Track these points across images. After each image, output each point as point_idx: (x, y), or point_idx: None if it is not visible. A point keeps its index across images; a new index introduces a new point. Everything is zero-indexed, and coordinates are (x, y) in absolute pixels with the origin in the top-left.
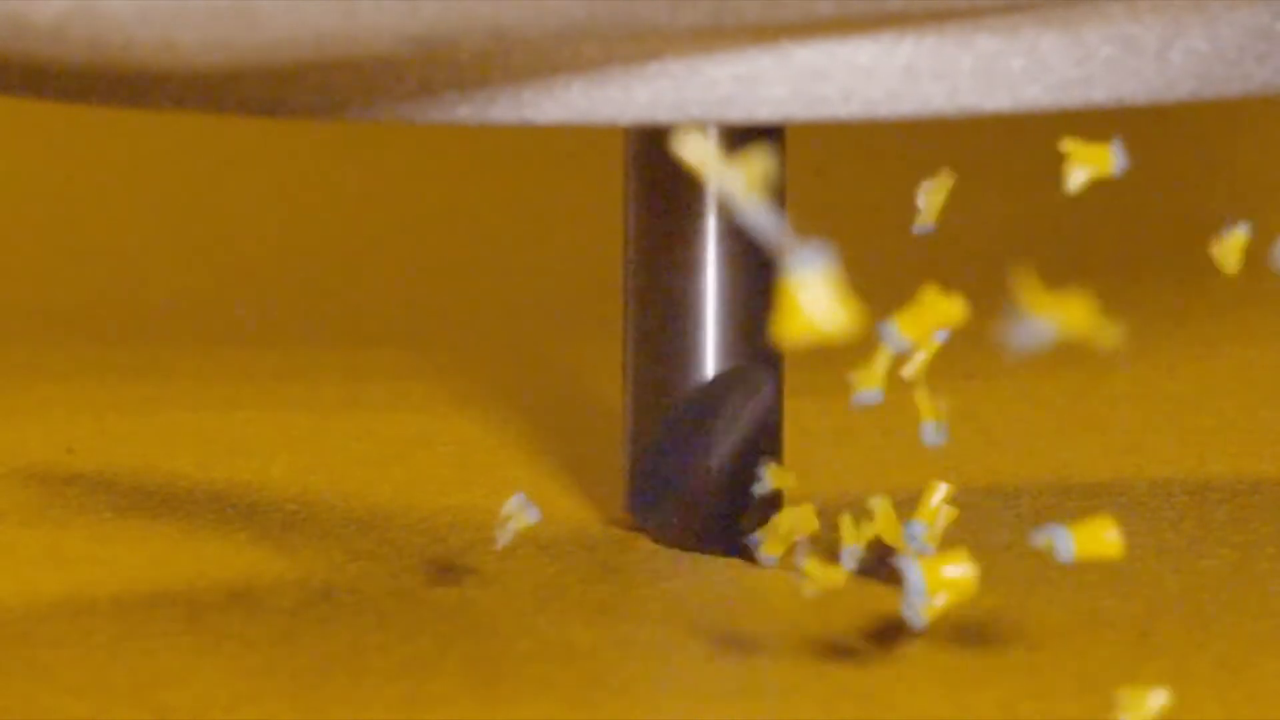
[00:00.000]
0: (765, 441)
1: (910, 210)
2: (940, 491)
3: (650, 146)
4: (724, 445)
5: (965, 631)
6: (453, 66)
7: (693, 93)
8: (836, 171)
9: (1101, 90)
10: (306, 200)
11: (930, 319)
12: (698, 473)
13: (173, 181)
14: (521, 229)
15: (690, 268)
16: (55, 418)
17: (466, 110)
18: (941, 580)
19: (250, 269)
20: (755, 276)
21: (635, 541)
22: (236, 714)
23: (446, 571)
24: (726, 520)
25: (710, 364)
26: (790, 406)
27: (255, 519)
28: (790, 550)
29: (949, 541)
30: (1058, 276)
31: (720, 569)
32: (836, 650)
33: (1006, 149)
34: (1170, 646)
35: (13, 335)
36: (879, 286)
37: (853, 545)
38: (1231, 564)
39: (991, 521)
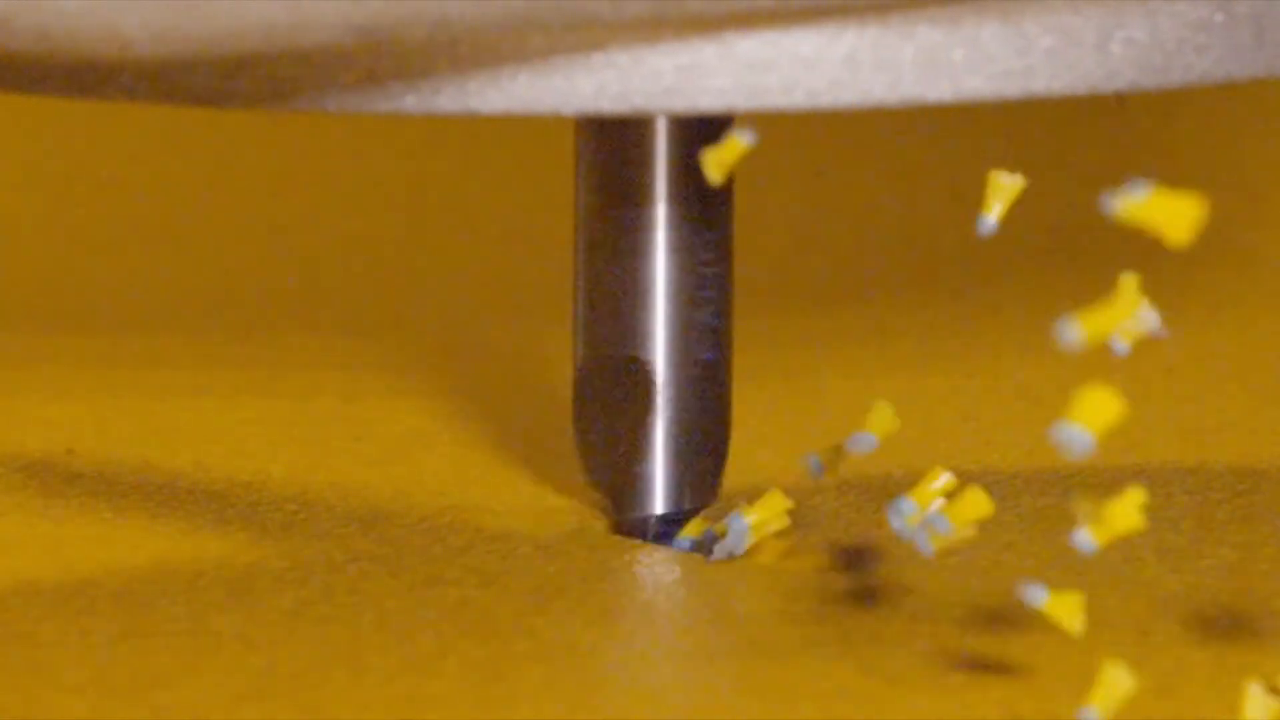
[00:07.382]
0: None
1: (909, 210)
2: (941, 479)
3: (598, 135)
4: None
5: (965, 631)
6: (399, 57)
7: (637, 83)
8: (836, 171)
9: (1042, 81)
10: (306, 196)
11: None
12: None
13: (169, 178)
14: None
15: (639, 256)
16: (55, 417)
17: (413, 100)
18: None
19: (248, 266)
20: (704, 263)
21: (635, 542)
22: (236, 714)
23: (446, 571)
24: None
25: (660, 351)
26: (787, 402)
27: (255, 519)
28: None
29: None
30: (1057, 276)
31: (721, 569)
32: (837, 650)
33: (1006, 149)
34: (1170, 646)
35: (12, 333)
36: (879, 286)
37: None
38: (1231, 564)
39: (991, 521)
